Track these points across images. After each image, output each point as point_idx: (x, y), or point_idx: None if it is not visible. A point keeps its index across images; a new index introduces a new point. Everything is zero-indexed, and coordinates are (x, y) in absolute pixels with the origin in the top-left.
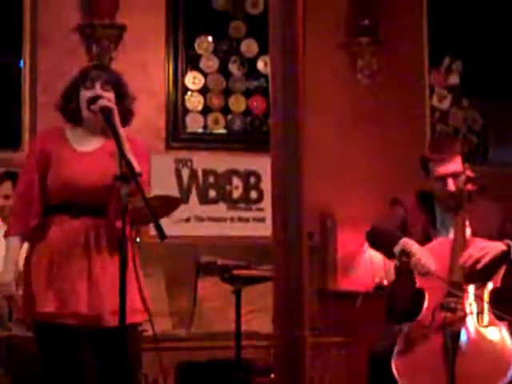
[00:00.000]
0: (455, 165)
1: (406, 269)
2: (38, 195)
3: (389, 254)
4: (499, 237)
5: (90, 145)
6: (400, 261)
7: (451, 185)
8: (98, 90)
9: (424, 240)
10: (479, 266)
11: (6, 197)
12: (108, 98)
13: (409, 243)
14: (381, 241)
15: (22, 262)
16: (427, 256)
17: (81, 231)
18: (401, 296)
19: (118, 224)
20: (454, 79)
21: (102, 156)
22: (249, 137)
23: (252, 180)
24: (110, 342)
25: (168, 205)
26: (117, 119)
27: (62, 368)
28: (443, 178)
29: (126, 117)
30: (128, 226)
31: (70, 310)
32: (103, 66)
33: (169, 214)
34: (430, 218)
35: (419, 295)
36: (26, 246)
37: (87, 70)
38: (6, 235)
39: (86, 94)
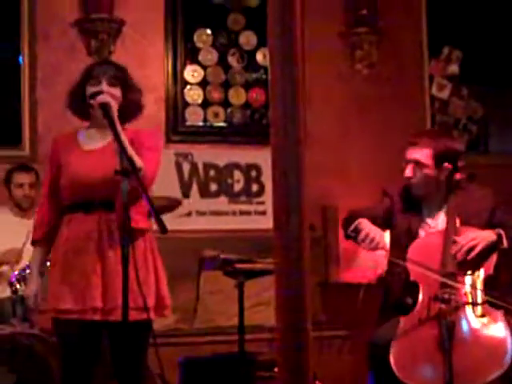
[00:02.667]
0: (420, 154)
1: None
2: (48, 206)
3: (347, 237)
4: (489, 225)
5: (97, 142)
6: (350, 237)
7: (408, 171)
8: (104, 86)
9: (407, 239)
10: (471, 256)
11: (20, 185)
12: (111, 94)
13: (361, 221)
14: (345, 224)
15: None
16: (376, 231)
17: (94, 226)
18: (393, 289)
19: (132, 215)
20: (453, 68)
21: (107, 153)
22: (249, 129)
23: (253, 173)
24: (121, 336)
25: (168, 205)
26: (115, 114)
27: (80, 361)
28: (406, 162)
29: (136, 110)
30: (144, 220)
31: (86, 305)
32: (108, 61)
33: (168, 212)
34: (417, 213)
35: (414, 288)
36: None
37: (92, 67)
38: (32, 242)
39: (91, 90)
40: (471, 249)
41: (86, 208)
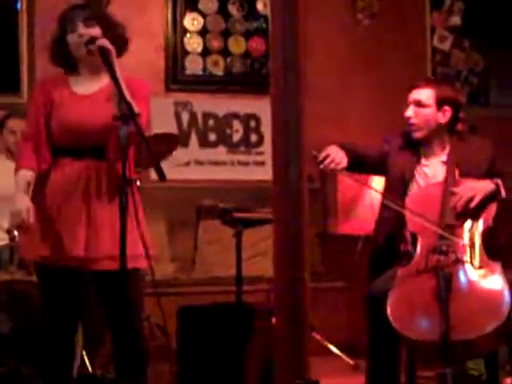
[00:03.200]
0: (421, 94)
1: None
2: (45, 138)
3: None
4: (488, 175)
5: (90, 87)
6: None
7: (409, 111)
8: (80, 29)
9: (399, 183)
10: (471, 205)
11: (13, 132)
12: (90, 35)
13: (328, 146)
14: None
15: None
16: (338, 153)
17: (82, 173)
18: (378, 236)
19: (119, 166)
20: (455, 20)
21: (100, 98)
22: (249, 79)
23: (252, 123)
24: (110, 285)
25: (167, 142)
26: (114, 59)
27: (61, 308)
28: (407, 105)
29: (120, 45)
30: (129, 168)
31: (67, 253)
32: (82, 4)
33: (169, 152)
34: (414, 158)
35: (412, 239)
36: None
37: (66, 13)
38: (16, 170)
39: (71, 38)
40: (470, 199)
41: (75, 154)
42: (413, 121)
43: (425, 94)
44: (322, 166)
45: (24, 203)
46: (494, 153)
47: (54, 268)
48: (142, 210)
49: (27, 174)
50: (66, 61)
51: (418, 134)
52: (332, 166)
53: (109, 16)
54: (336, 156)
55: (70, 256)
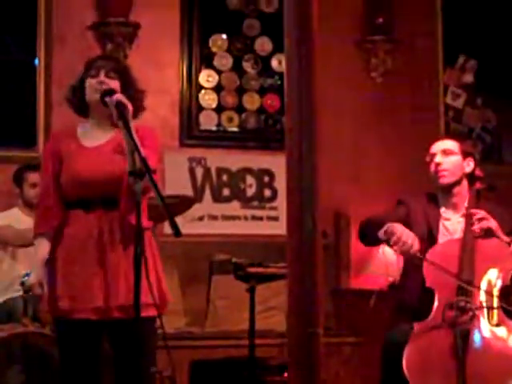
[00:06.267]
0: (448, 144)
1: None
2: (54, 199)
3: (374, 241)
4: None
5: (97, 139)
6: (380, 241)
7: (438, 157)
8: (101, 77)
9: (428, 240)
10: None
11: (34, 185)
12: (107, 83)
13: (392, 225)
14: (367, 230)
15: None
16: (409, 234)
17: (94, 225)
18: (409, 293)
19: (131, 219)
20: (468, 78)
21: (107, 150)
22: (263, 135)
23: (266, 178)
24: (122, 335)
25: (182, 204)
26: (130, 115)
27: (78, 362)
28: (432, 155)
29: (136, 106)
30: (144, 219)
31: (84, 305)
32: (110, 56)
33: (182, 213)
34: (436, 212)
35: (429, 294)
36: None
37: (93, 60)
38: (34, 237)
39: (91, 82)
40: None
41: (86, 206)
42: (443, 167)
43: (451, 144)
44: (396, 250)
45: (37, 277)
46: None
47: (72, 321)
48: (159, 258)
49: (43, 243)
50: (80, 105)
51: (446, 180)
52: (406, 248)
53: (130, 75)
54: (408, 237)
55: (90, 307)
